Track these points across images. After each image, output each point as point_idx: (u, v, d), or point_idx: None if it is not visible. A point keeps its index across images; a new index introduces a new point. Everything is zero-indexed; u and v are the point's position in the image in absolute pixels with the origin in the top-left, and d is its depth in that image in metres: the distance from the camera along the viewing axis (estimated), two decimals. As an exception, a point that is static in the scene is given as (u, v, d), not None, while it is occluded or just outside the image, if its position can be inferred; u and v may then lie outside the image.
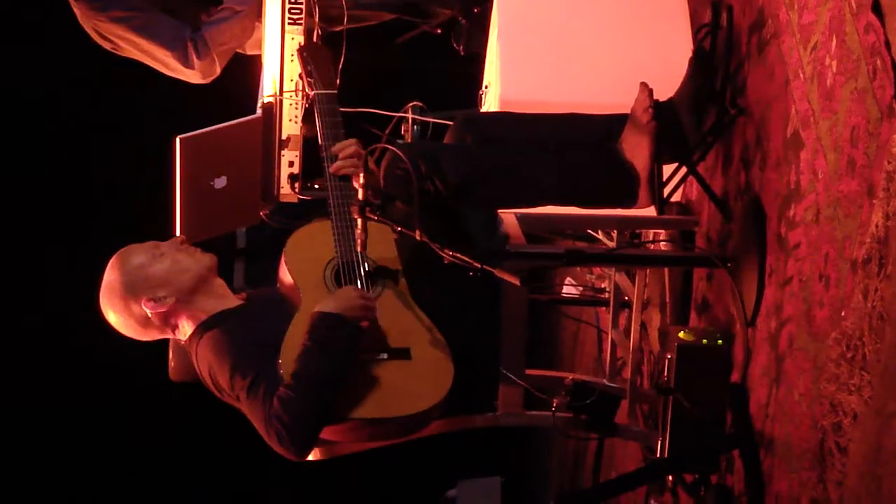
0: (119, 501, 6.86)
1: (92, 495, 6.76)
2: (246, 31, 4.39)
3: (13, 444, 6.57)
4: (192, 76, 4.40)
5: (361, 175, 2.86)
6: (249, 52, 4.57)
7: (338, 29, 4.21)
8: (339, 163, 3.09)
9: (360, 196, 2.86)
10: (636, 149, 3.13)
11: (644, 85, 3.12)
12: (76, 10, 4.31)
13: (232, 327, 2.95)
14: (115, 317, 3.04)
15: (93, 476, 6.72)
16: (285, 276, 3.03)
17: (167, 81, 4.69)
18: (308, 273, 3.00)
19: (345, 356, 2.80)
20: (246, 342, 2.90)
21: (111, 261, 3.06)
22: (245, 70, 4.35)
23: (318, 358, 2.78)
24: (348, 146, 3.12)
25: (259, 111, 3.85)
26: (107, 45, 4.38)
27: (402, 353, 2.89)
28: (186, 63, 4.31)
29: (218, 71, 4.41)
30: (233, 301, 3.07)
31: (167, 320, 3.03)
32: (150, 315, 3.01)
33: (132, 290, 3.00)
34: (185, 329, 3.03)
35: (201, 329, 2.99)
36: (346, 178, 3.08)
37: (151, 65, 4.43)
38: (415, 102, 3.93)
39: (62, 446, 6.73)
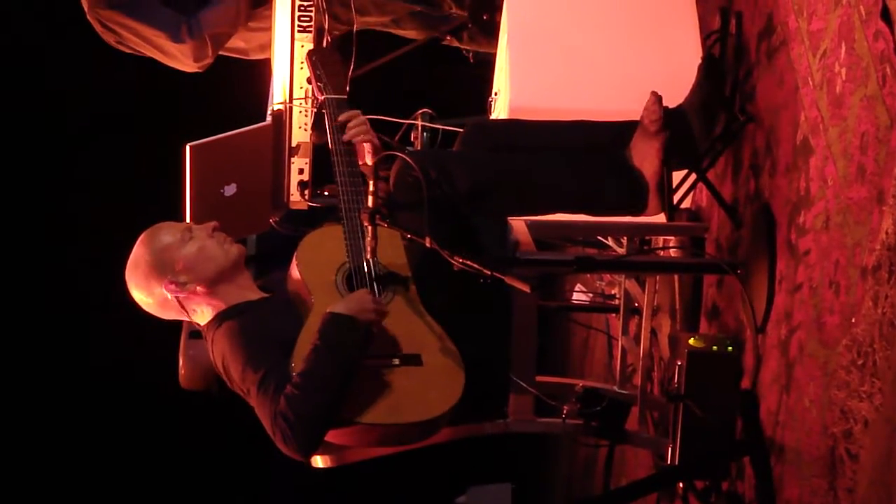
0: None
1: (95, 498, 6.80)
2: (240, 16, 4.44)
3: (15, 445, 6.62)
4: (185, 59, 4.44)
5: (371, 182, 2.87)
6: (253, 57, 4.59)
7: (347, 30, 4.23)
8: (353, 127, 3.15)
9: (370, 203, 2.87)
10: (645, 156, 3.13)
11: (654, 93, 3.12)
12: (84, 4, 4.38)
13: (249, 321, 2.97)
14: (136, 293, 3.07)
15: (97, 478, 6.75)
16: (297, 278, 3.04)
17: (177, 90, 4.71)
18: (319, 277, 3.01)
19: (353, 358, 2.81)
20: (261, 337, 2.91)
21: (142, 235, 3.08)
22: (255, 78, 4.36)
23: (327, 359, 2.78)
24: (356, 114, 3.19)
25: (269, 118, 3.86)
26: (111, 39, 4.45)
27: (414, 360, 2.89)
28: (177, 39, 4.36)
29: (210, 55, 4.45)
30: (255, 294, 3.08)
31: (187, 304, 3.05)
32: (169, 297, 3.03)
33: (156, 270, 3.02)
34: (204, 315, 3.05)
35: (220, 318, 3.01)
36: (353, 153, 3.13)
37: (150, 53, 4.48)
38: (424, 110, 3.93)
39: (62, 449, 6.77)
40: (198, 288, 3.02)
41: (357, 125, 3.19)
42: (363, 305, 2.86)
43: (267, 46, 4.14)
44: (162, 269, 3.02)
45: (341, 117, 3.21)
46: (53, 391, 6.62)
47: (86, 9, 4.40)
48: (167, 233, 3.06)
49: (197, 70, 4.50)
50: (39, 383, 6.57)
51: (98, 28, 4.44)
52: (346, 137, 3.16)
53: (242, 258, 3.09)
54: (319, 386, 2.76)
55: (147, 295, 3.05)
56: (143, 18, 4.39)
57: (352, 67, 3.65)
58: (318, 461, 3.10)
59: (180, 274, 3.01)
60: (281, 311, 3.00)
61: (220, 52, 4.56)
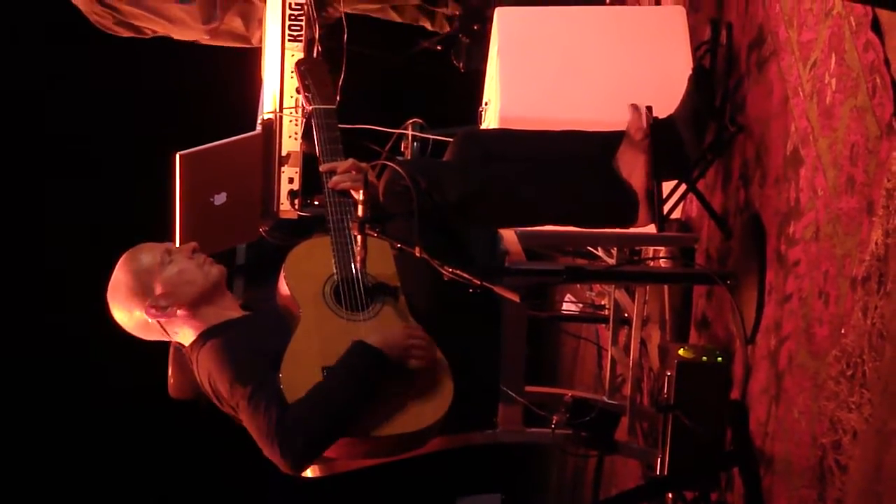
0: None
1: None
2: None
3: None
4: (194, 23, 4.38)
5: (361, 191, 2.86)
6: (255, 44, 4.57)
7: (338, 17, 4.21)
8: (336, 177, 3.03)
9: (359, 213, 2.86)
10: (633, 167, 3.13)
11: (634, 106, 3.13)
12: None
13: (233, 337, 2.95)
14: (118, 315, 3.05)
15: (94, 480, 6.74)
16: (284, 291, 3.03)
17: (168, 98, 4.69)
18: (307, 289, 2.99)
19: (370, 390, 2.82)
20: (247, 352, 2.90)
21: (122, 258, 3.05)
22: (245, 87, 4.36)
23: (346, 385, 2.80)
24: (345, 162, 3.07)
25: (259, 128, 3.87)
26: (108, 21, 4.38)
27: (403, 371, 2.89)
28: None
29: (219, 16, 4.39)
30: (236, 313, 3.07)
31: (168, 327, 3.03)
32: (150, 321, 3.01)
33: (136, 293, 3.00)
34: (187, 336, 3.03)
35: (203, 338, 2.99)
36: (345, 194, 3.05)
37: (153, 26, 4.42)
38: (415, 119, 3.94)
39: (60, 453, 6.76)
40: (178, 311, 3.00)
41: (343, 171, 3.02)
42: (400, 342, 2.86)
43: None
44: (142, 292, 3.00)
45: (329, 166, 3.06)
46: (52, 395, 6.61)
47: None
48: (147, 255, 3.03)
49: (204, 36, 4.44)
50: (37, 388, 6.56)
51: (94, 11, 4.36)
52: (330, 184, 3.03)
53: (223, 278, 3.07)
54: (330, 409, 2.77)
55: (128, 318, 3.03)
56: None
57: (342, 75, 3.66)
58: (308, 471, 3.09)
59: (160, 298, 2.99)
60: (268, 325, 2.99)
61: (223, 45, 4.51)
